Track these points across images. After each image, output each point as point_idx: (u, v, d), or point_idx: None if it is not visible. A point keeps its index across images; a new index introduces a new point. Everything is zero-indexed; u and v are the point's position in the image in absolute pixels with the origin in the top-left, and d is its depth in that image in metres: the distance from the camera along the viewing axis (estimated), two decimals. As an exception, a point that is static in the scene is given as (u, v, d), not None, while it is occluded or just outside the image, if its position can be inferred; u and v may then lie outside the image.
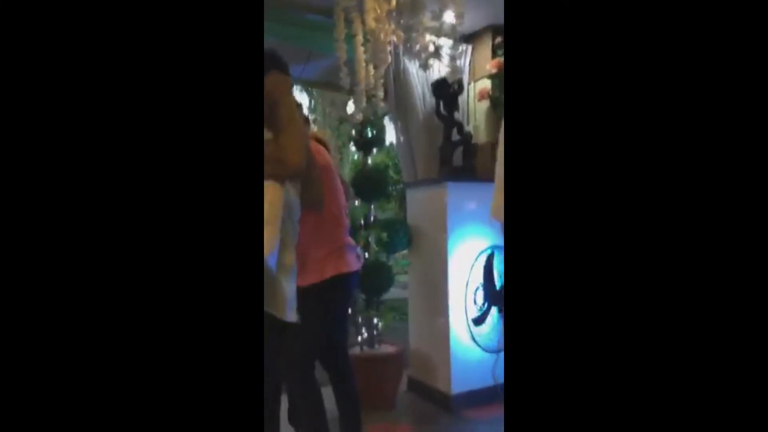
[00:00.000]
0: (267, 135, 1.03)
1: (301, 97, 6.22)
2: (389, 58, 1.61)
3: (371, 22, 1.53)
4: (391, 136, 2.94)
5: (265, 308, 1.14)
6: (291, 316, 1.15)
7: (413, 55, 1.51)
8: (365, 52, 1.70)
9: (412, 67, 2.51)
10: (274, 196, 1.04)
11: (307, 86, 4.48)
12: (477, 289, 2.01)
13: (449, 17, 1.53)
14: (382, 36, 1.53)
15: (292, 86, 1.16)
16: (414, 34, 1.41)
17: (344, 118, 5.44)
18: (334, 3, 1.71)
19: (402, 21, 1.49)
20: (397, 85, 2.52)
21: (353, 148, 4.80)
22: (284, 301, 1.14)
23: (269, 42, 2.00)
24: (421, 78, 2.55)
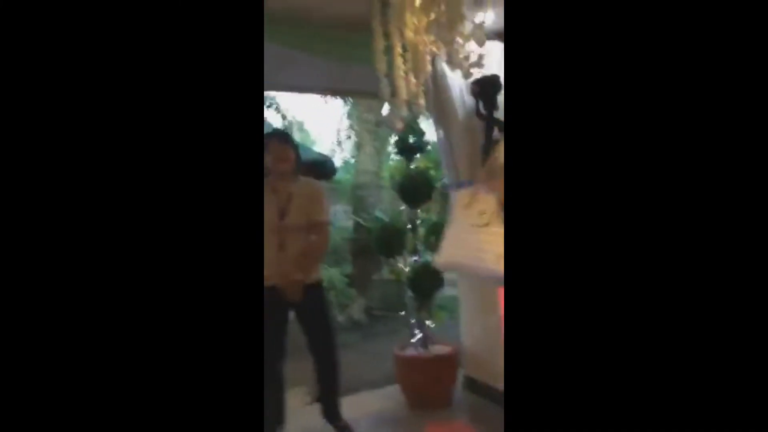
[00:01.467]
0: None
1: (335, 104, 6.29)
2: (429, 68, 1.65)
3: (410, 36, 1.57)
4: (431, 136, 2.98)
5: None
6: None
7: (455, 65, 1.54)
8: (404, 63, 1.74)
9: (449, 70, 2.53)
10: None
11: (345, 95, 4.55)
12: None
13: (489, 19, 1.55)
14: (421, 48, 1.57)
15: None
16: (455, 45, 1.45)
17: (384, 123, 5.52)
18: (369, 17, 1.77)
19: (441, 33, 1.52)
20: (435, 89, 2.55)
21: (393, 153, 4.86)
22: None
23: (303, 57, 2.08)
24: (458, 79, 2.58)
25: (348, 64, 2.22)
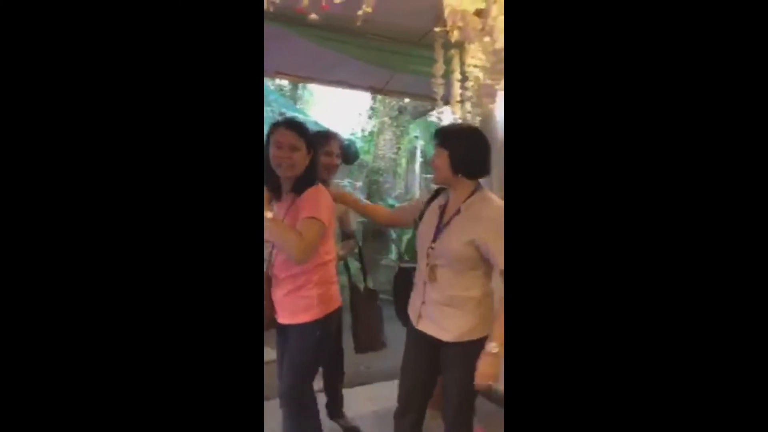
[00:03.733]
0: None
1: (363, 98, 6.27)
2: (493, 99, 1.70)
3: (473, 63, 1.61)
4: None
5: None
6: None
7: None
8: (461, 88, 1.79)
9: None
10: None
11: (397, 96, 4.64)
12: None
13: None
14: (483, 78, 1.62)
15: None
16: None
17: (406, 110, 5.54)
18: (432, 39, 1.80)
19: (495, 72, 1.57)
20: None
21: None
22: None
23: (354, 63, 2.07)
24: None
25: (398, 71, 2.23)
